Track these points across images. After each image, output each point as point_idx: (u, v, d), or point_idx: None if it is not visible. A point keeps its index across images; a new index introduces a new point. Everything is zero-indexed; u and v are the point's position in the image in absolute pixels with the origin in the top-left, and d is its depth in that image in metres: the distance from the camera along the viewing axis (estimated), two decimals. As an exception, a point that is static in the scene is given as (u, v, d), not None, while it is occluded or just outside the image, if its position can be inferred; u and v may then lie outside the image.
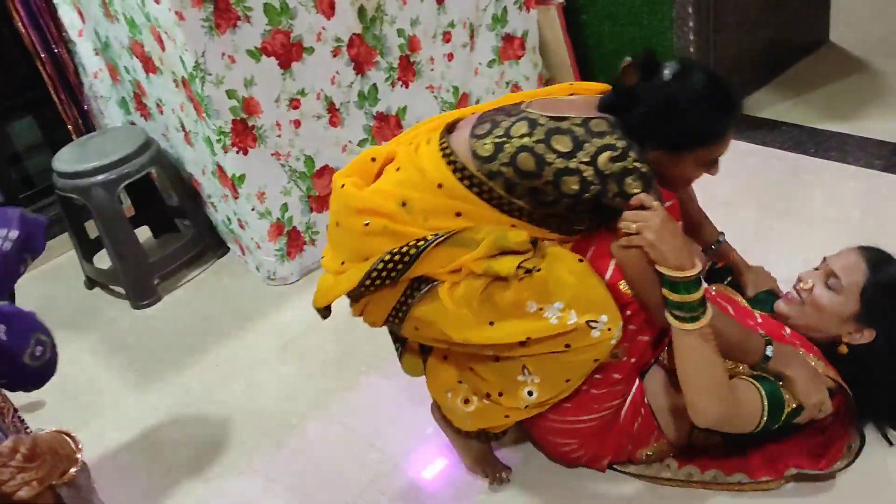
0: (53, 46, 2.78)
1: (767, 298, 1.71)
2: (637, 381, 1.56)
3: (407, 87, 2.60)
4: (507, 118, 1.40)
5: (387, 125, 2.58)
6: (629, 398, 1.55)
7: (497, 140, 1.37)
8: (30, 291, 2.75)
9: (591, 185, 1.32)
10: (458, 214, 1.39)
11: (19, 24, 2.74)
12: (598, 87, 1.50)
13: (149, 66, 2.41)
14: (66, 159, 2.47)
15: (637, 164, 1.32)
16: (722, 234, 1.81)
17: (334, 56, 2.37)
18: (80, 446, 1.27)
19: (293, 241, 2.49)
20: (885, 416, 1.58)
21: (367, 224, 1.40)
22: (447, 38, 2.66)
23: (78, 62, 2.80)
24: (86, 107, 2.89)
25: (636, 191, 1.31)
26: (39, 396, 2.20)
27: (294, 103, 2.33)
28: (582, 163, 1.32)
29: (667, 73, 1.34)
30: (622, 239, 1.33)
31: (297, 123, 2.36)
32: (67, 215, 2.60)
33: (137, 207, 2.87)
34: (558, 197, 1.36)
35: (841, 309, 1.50)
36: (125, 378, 2.25)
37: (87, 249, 2.69)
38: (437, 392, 1.61)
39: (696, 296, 1.30)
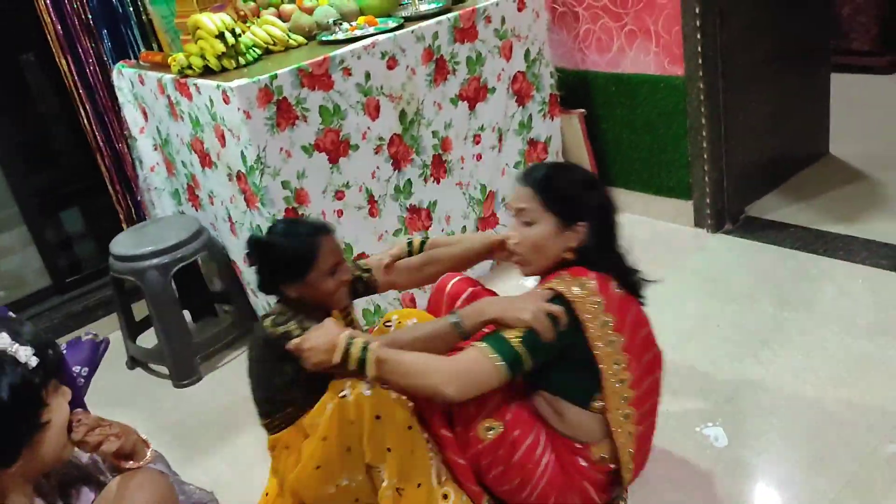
0: (115, 142, 3.02)
1: None
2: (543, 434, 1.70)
3: (438, 183, 2.81)
4: None
5: (418, 217, 2.77)
6: (548, 452, 1.66)
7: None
8: (76, 369, 2.87)
9: (281, 370, 1.70)
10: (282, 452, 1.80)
11: (84, 120, 2.99)
12: None
13: (206, 160, 2.62)
14: (123, 244, 2.65)
15: (272, 339, 1.68)
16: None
17: (376, 153, 2.59)
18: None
19: (332, 324, 2.62)
20: (628, 278, 1.70)
21: None
22: (477, 140, 2.89)
23: (136, 157, 3.02)
24: (139, 198, 3.09)
25: (291, 349, 1.62)
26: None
27: (339, 195, 2.52)
28: (261, 370, 1.79)
29: (262, 238, 1.79)
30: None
31: (340, 213, 2.55)
32: (119, 297, 2.74)
33: (180, 292, 3.02)
34: (287, 392, 1.73)
35: (547, 231, 1.64)
36: (172, 453, 2.27)
37: (132, 330, 2.82)
38: None
39: (355, 351, 1.55)
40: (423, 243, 2.01)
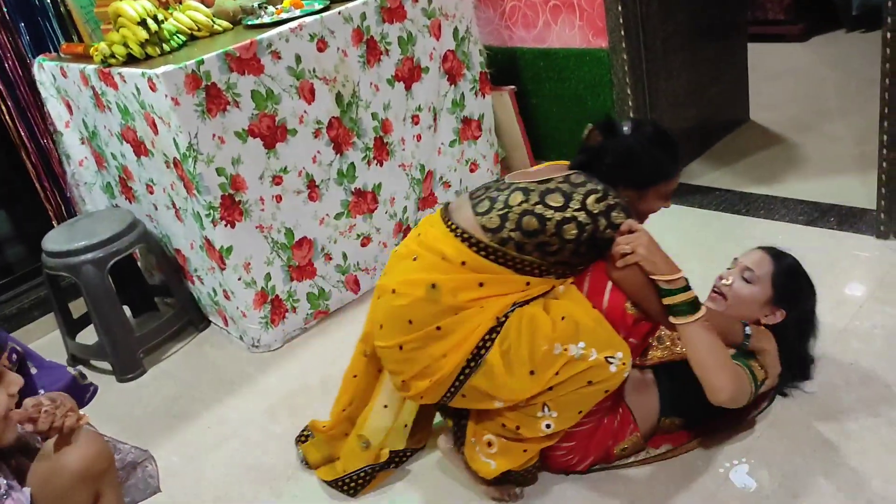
0: (40, 138, 2.95)
1: None
2: None
3: (381, 165, 2.83)
4: (501, 193, 1.67)
5: (363, 200, 2.79)
6: (596, 416, 1.75)
7: (500, 212, 1.63)
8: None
9: (587, 226, 1.60)
10: (481, 285, 1.62)
11: (6, 117, 2.91)
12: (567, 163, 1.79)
13: (140, 149, 2.59)
14: (56, 240, 2.59)
15: (618, 200, 1.61)
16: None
17: (315, 137, 2.59)
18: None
19: (276, 308, 2.63)
20: (792, 375, 1.91)
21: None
22: (415, 120, 2.92)
23: (62, 152, 2.96)
24: (68, 194, 3.03)
25: (622, 220, 1.59)
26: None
27: (276, 180, 2.53)
28: (575, 210, 1.59)
29: (625, 129, 1.69)
30: (619, 260, 1.59)
31: (279, 198, 2.55)
32: (55, 295, 2.69)
33: (118, 287, 2.97)
34: (562, 245, 1.61)
35: (758, 296, 1.83)
36: None
37: (71, 328, 2.77)
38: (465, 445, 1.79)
39: (691, 294, 1.58)
40: None
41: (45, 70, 2.84)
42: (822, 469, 1.72)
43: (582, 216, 1.59)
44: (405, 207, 2.94)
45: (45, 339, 2.98)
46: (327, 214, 2.70)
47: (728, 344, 1.69)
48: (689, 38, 3.13)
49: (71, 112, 2.88)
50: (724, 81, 3.43)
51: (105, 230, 2.59)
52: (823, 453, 1.76)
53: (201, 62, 2.28)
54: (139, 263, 2.99)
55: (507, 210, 1.62)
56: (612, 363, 1.57)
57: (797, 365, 1.91)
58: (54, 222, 3.03)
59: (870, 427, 1.81)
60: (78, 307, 2.83)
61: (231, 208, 2.44)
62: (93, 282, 2.53)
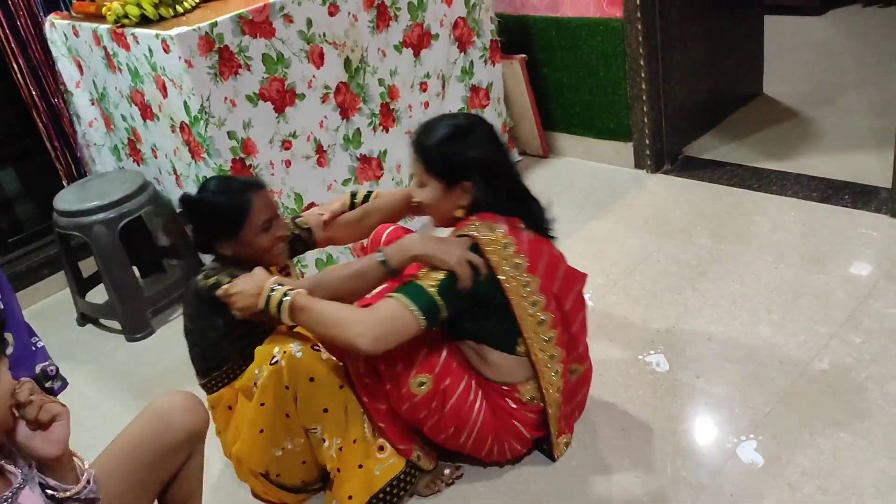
0: (51, 97, 2.94)
1: None
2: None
3: (387, 132, 2.82)
4: None
5: (369, 167, 2.78)
6: (479, 397, 1.72)
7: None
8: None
9: (214, 324, 1.75)
10: (230, 407, 1.83)
11: (17, 76, 2.89)
12: None
13: (147, 113, 2.58)
14: (67, 199, 2.60)
15: (203, 290, 1.72)
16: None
17: (323, 102, 2.58)
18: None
19: (285, 273, 2.64)
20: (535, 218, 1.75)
21: None
22: (423, 87, 2.90)
23: (73, 112, 2.95)
24: (78, 154, 3.03)
25: (220, 295, 1.67)
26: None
27: (286, 144, 2.52)
28: (203, 319, 1.78)
29: (193, 196, 1.79)
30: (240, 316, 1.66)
31: (288, 163, 2.55)
32: (65, 254, 2.71)
33: (127, 248, 2.98)
34: (222, 346, 1.78)
35: (435, 194, 1.69)
36: (127, 403, 2.34)
37: (81, 286, 2.79)
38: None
39: (275, 298, 1.57)
40: (367, 195, 2.02)
41: (56, 29, 2.82)
42: (830, 447, 1.74)
43: (203, 325, 1.78)
44: (412, 175, 2.93)
45: (53, 298, 3.01)
46: (335, 180, 2.69)
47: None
48: (706, 8, 3.09)
49: (82, 72, 2.87)
50: (738, 54, 3.39)
51: (116, 191, 2.60)
52: (832, 431, 1.78)
53: (215, 24, 2.26)
54: (148, 225, 2.99)
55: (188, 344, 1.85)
56: (274, 362, 1.62)
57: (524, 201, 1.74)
58: (65, 182, 3.03)
59: (880, 406, 1.82)
60: (88, 266, 2.85)
61: (241, 172, 2.43)
62: (104, 242, 2.54)
